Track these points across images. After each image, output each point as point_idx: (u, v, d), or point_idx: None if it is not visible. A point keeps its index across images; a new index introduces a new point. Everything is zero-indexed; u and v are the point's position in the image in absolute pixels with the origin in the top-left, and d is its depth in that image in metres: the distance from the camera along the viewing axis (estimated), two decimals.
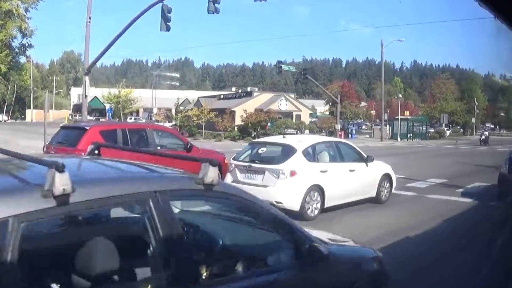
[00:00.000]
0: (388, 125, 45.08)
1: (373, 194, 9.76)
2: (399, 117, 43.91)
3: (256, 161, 8.53)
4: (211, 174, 2.28)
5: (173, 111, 46.71)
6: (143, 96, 64.73)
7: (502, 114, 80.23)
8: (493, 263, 3.82)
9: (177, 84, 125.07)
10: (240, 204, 2.67)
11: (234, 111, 40.46)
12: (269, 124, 39.11)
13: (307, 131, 42.47)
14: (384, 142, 38.95)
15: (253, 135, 36.42)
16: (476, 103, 61.39)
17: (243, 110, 36.35)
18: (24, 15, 50.00)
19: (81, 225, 2.29)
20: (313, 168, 8.42)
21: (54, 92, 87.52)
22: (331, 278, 2.84)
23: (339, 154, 9.29)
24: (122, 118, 45.63)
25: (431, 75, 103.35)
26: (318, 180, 8.32)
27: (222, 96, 51.00)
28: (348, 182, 9.07)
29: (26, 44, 55.71)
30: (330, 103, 65.09)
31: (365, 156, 9.70)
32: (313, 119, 53.35)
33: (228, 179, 8.57)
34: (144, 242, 2.25)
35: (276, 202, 7.64)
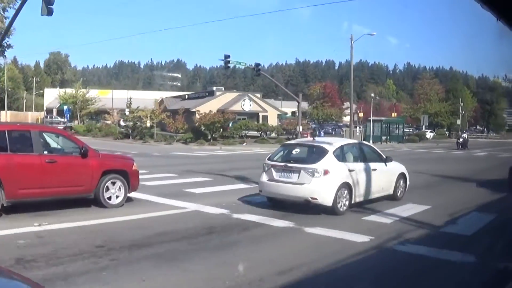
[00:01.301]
0: (359, 127, 42.50)
1: (391, 191, 10.51)
2: (371, 118, 41.34)
3: (291, 161, 9.22)
4: None
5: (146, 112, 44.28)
6: (122, 97, 62.65)
7: (504, 115, 78.13)
8: None
9: (179, 84, 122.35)
10: None
11: (194, 112, 37.90)
12: (230, 125, 36.70)
13: (273, 133, 40.04)
14: None
15: (209, 137, 33.92)
16: (462, 104, 58.59)
17: (197, 110, 33.81)
18: (2, 15, 48.19)
19: None
20: (342, 167, 9.13)
21: (34, 93, 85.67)
22: None
23: (363, 154, 10.11)
24: (79, 118, 43.19)
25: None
26: (347, 178, 9.06)
27: (186, 96, 48.62)
28: (371, 180, 9.76)
29: (5, 45, 54.16)
30: (314, 104, 62.89)
31: (385, 157, 10.50)
32: (283, 120, 50.82)
33: (264, 178, 9.33)
34: None
35: (312, 198, 8.67)
